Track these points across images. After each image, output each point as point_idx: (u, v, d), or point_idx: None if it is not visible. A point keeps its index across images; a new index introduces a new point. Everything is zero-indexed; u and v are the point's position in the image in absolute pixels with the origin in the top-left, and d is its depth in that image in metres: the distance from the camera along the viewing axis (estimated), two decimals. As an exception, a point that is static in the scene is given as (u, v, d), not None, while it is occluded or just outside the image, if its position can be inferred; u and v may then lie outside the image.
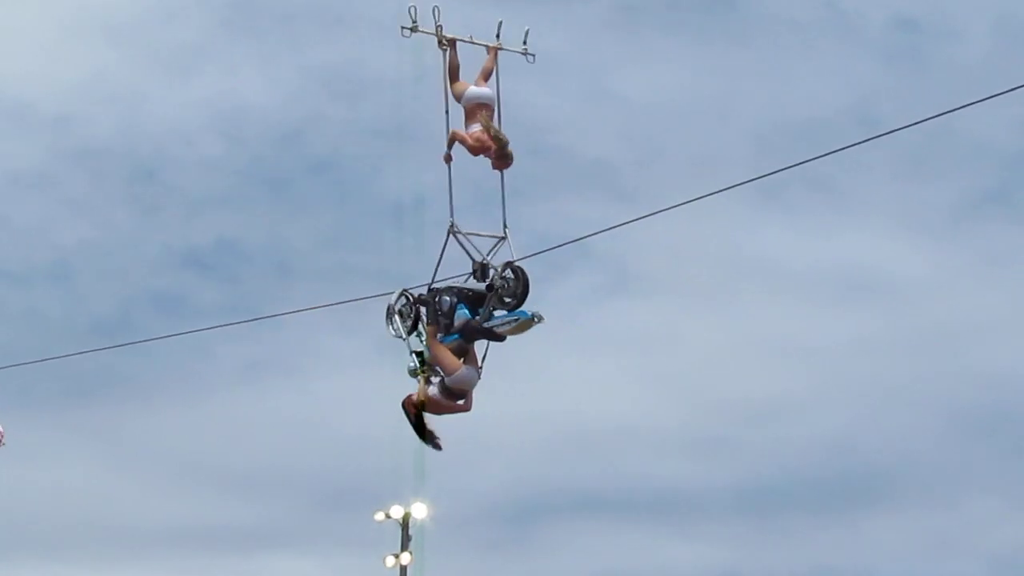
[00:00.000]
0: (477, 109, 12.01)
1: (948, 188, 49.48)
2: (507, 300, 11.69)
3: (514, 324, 11.65)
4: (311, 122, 49.52)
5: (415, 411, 11.87)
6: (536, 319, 11.57)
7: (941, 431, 49.09)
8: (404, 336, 12.06)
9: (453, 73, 12.13)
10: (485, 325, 11.69)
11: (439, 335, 11.74)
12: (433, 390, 11.77)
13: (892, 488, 47.82)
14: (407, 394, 11.93)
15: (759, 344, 49.59)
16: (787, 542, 45.23)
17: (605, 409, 44.32)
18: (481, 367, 11.83)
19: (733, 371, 48.10)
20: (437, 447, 12.05)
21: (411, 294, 12.12)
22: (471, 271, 11.99)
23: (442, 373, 11.75)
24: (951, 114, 9.79)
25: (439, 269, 12.10)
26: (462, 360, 11.70)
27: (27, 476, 37.99)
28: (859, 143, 10.35)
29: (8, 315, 47.72)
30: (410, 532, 31.50)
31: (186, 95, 51.98)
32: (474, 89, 12.03)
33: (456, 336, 11.76)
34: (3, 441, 24.27)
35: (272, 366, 46.43)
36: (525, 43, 12.42)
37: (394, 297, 12.09)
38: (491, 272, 11.95)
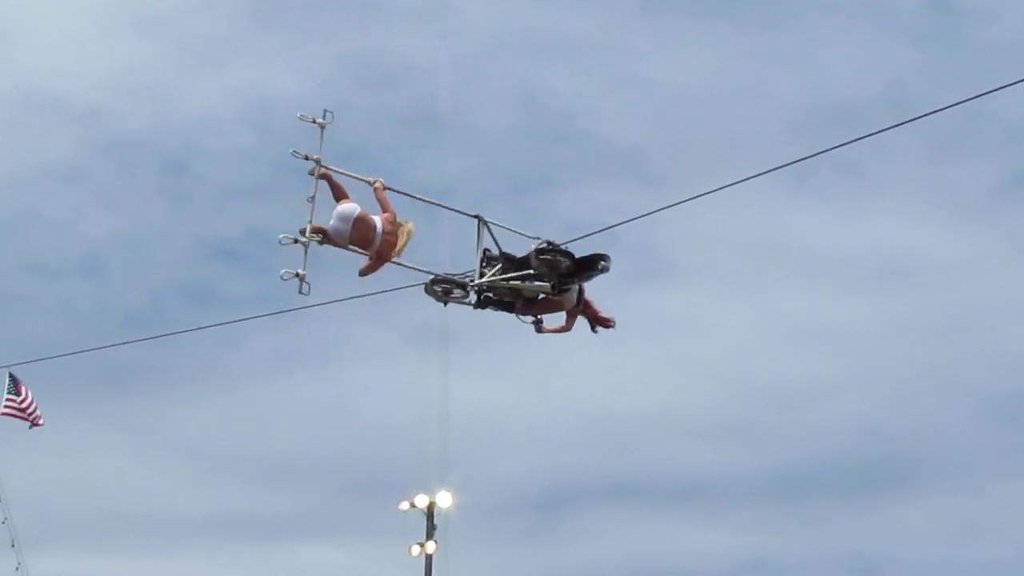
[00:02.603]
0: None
1: (980, 170, 48.98)
2: (558, 269, 12.01)
3: (586, 277, 12.17)
4: (340, 111, 49.40)
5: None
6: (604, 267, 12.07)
7: (970, 416, 48.66)
8: (467, 299, 12.33)
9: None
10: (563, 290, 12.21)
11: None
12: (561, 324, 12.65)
13: (921, 473, 47.46)
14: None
15: (788, 329, 49.25)
16: (815, 527, 44.96)
17: (633, 396, 44.16)
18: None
19: (762, 357, 47.80)
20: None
21: (448, 281, 12.29)
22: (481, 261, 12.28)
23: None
24: (983, 96, 9.62)
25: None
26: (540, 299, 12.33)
27: (60, 466, 38.18)
28: (891, 127, 10.18)
29: (40, 307, 47.94)
30: (435, 521, 31.41)
31: (216, 86, 52.03)
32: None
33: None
34: (40, 423, 24.42)
35: (302, 356, 46.43)
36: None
37: (433, 291, 12.21)
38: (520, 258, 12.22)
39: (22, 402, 24.16)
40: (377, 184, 11.81)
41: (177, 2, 52.96)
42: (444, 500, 31.35)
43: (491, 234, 12.36)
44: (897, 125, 10.21)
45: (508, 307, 12.34)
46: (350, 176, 11.84)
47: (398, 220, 11.76)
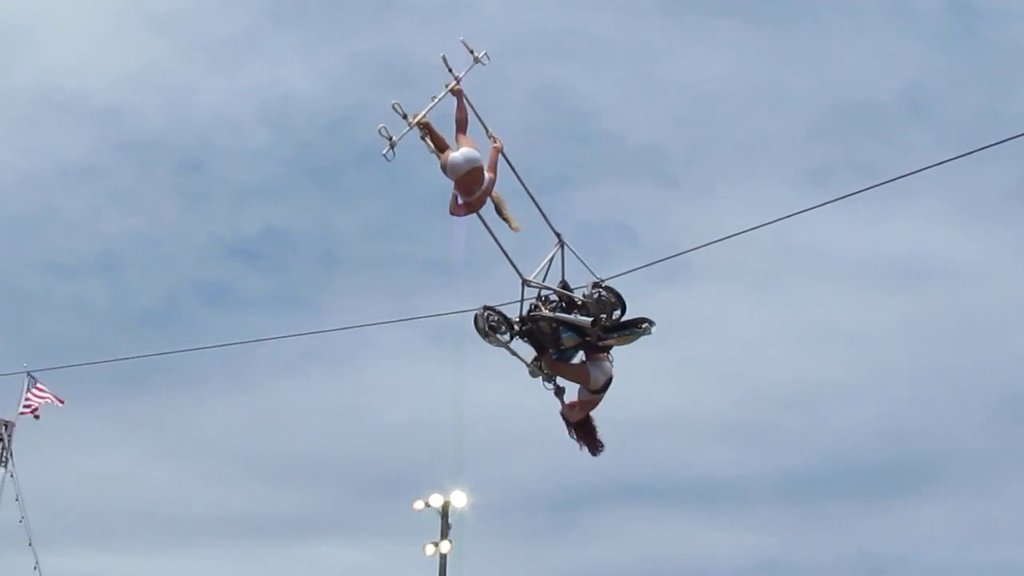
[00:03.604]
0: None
1: (999, 173, 48.71)
2: (604, 318, 11.81)
3: (627, 335, 11.88)
4: (358, 110, 49.46)
5: (577, 427, 12.33)
6: (647, 328, 11.81)
7: (987, 417, 48.45)
8: (510, 343, 12.18)
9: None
10: (600, 343, 11.91)
11: (554, 356, 12.08)
12: (576, 398, 12.24)
13: (936, 474, 47.27)
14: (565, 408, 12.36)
15: (805, 331, 49.10)
16: (830, 529, 44.82)
17: (649, 397, 44.07)
18: (609, 356, 12.07)
19: (779, 358, 47.66)
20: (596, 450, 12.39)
21: (499, 313, 12.18)
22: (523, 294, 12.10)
23: (580, 385, 12.14)
24: (1004, 96, 9.61)
25: (546, 277, 12.23)
26: (586, 364, 12.04)
27: (77, 465, 38.28)
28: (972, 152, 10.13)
29: (57, 305, 48.07)
30: (449, 520, 31.42)
31: (233, 85, 52.13)
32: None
33: (571, 351, 12.07)
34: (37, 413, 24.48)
35: (319, 356, 46.47)
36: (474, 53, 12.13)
37: (482, 318, 12.12)
38: (575, 290, 12.11)
39: (36, 397, 24.25)
40: (499, 145, 11.96)
41: (194, 1, 53.09)
42: (459, 500, 31.38)
43: (562, 257, 12.31)
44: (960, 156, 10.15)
45: (541, 349, 12.16)
46: (478, 116, 11.99)
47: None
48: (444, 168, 11.67)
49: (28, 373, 24.19)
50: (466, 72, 11.94)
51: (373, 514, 44.53)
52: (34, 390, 24.44)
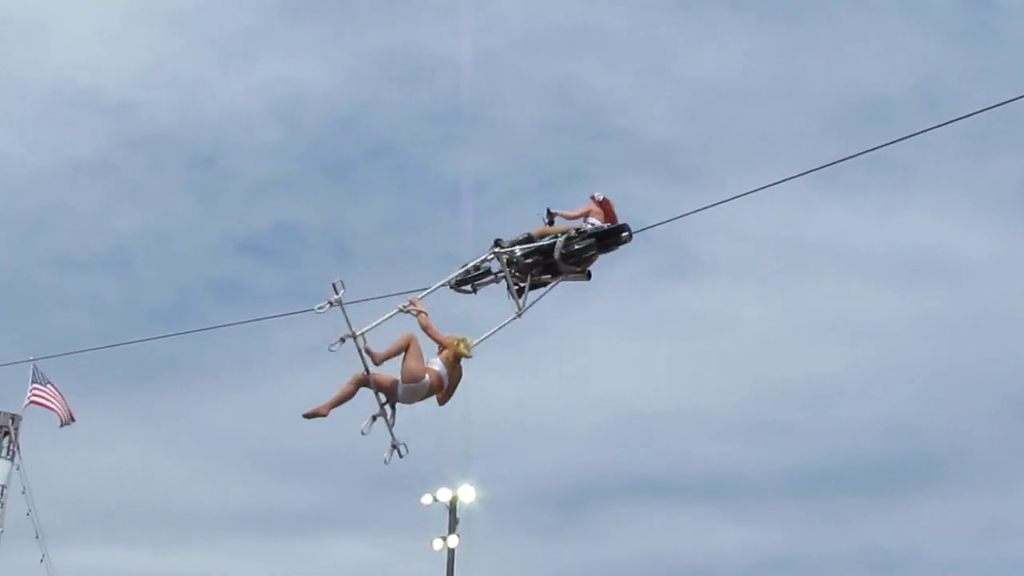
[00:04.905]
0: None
1: (1013, 166, 48.49)
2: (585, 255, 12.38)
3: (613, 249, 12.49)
4: (369, 106, 49.44)
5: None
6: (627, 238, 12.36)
7: (998, 414, 48.28)
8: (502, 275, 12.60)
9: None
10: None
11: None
12: None
13: (947, 470, 47.16)
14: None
15: (816, 326, 48.97)
16: (841, 524, 44.78)
17: (659, 392, 44.01)
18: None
19: (789, 354, 47.53)
20: None
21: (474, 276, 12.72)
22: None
23: None
24: (1017, 91, 9.57)
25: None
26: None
27: (86, 459, 38.33)
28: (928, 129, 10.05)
29: (69, 300, 48.07)
30: (457, 515, 31.37)
31: (245, 81, 52.10)
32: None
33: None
34: (74, 419, 24.44)
35: (326, 351, 46.41)
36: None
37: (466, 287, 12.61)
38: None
39: (50, 396, 24.21)
40: (421, 319, 11.88)
41: (206, -2, 52.96)
42: (466, 494, 31.33)
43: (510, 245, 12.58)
44: (939, 126, 10.08)
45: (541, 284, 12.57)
46: (383, 322, 11.91)
47: (452, 338, 11.91)
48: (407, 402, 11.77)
49: (34, 363, 24.16)
50: (347, 321, 11.74)
51: (381, 509, 44.58)
52: (40, 387, 24.36)
